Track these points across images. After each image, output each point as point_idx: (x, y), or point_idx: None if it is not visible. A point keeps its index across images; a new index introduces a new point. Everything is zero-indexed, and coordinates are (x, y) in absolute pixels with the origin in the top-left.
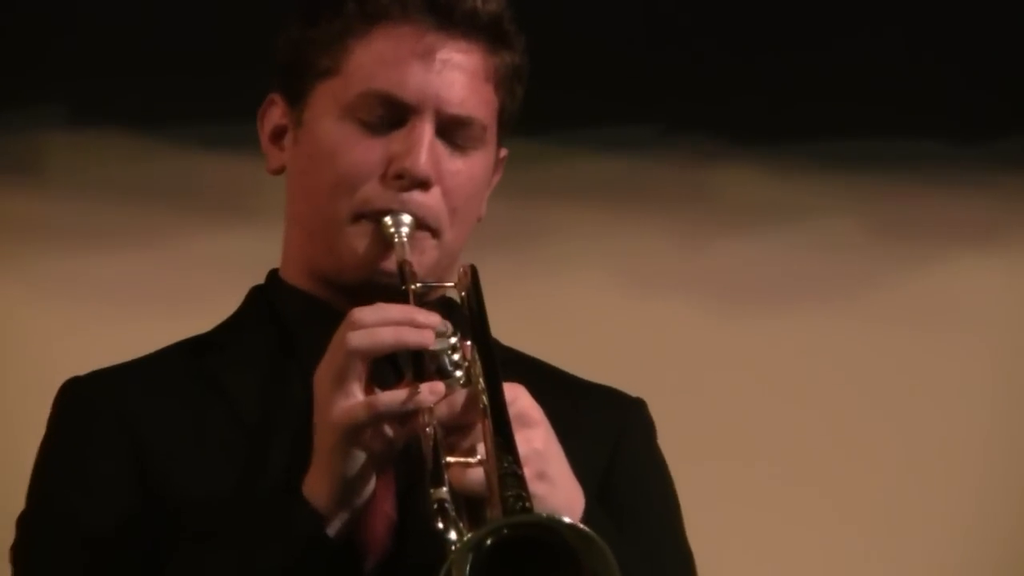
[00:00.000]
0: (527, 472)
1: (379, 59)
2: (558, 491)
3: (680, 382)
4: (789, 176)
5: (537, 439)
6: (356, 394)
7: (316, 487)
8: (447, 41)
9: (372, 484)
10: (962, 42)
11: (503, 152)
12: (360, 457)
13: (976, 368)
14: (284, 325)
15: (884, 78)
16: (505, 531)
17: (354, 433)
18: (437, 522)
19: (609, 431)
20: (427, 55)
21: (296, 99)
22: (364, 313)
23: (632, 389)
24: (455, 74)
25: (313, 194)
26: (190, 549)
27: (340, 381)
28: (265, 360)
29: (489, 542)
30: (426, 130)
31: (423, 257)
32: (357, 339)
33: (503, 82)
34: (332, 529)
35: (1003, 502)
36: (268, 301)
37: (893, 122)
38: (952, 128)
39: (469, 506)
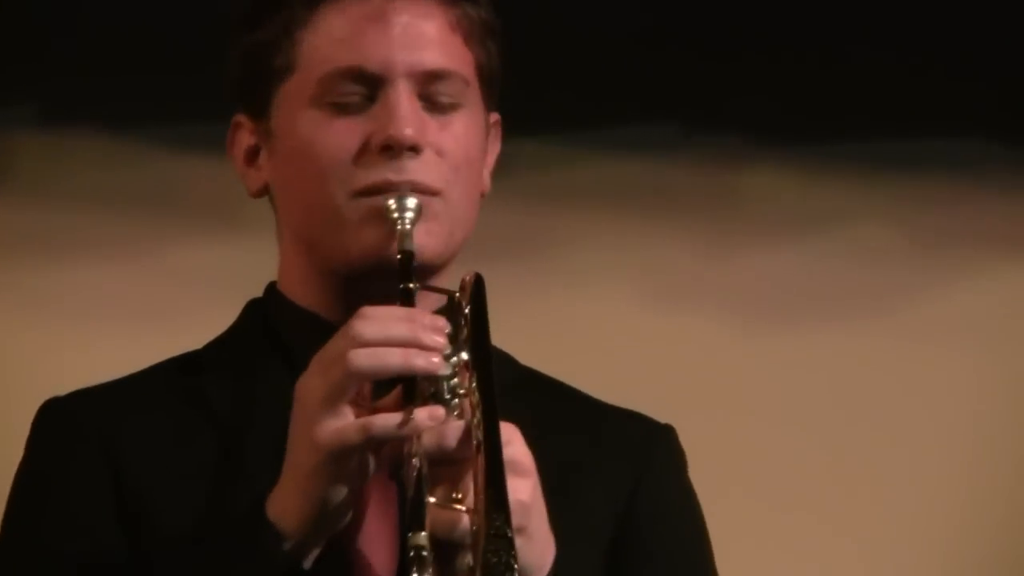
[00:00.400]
0: None
1: (331, 38)
2: (533, 545)
3: (703, 403)
4: (821, 180)
5: (524, 490)
6: (347, 415)
7: (286, 509)
8: (397, 1)
9: (348, 513)
10: (1009, 39)
11: (495, 116)
12: (341, 481)
13: None
14: (282, 344)
15: (924, 73)
16: None
17: (342, 456)
18: (412, 572)
19: (632, 461)
20: (381, 19)
21: (260, 112)
22: (367, 325)
23: (651, 411)
24: (418, 30)
25: (303, 193)
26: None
27: (333, 400)
28: (260, 382)
29: None
30: (402, 94)
31: (433, 224)
32: (360, 360)
33: (472, 35)
34: (299, 556)
35: None
36: (265, 316)
37: (934, 121)
38: (998, 127)
39: (447, 552)
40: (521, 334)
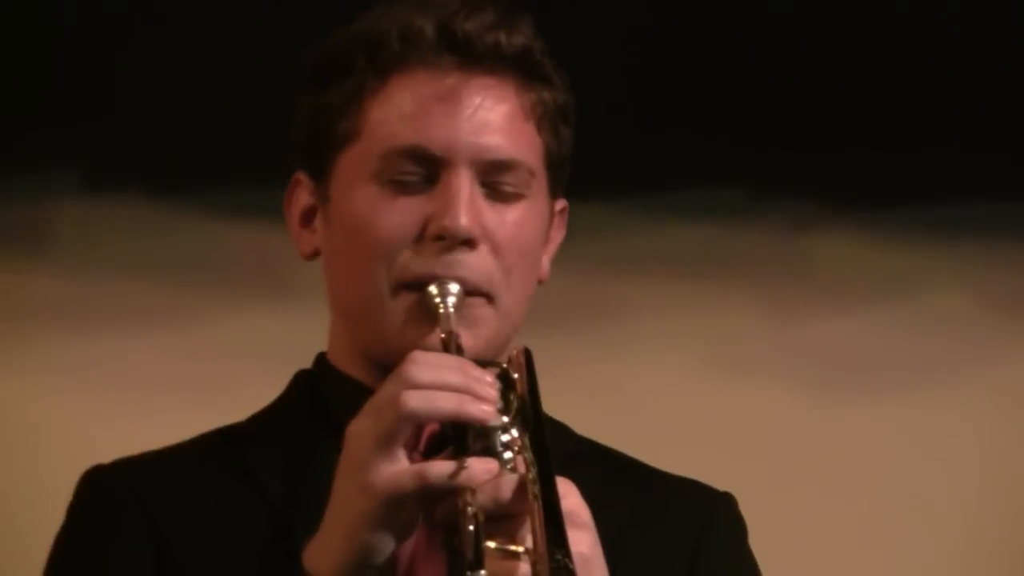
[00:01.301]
0: None
1: (399, 112)
2: None
3: (772, 476)
4: (893, 244)
5: (583, 543)
6: (402, 459)
7: (324, 558)
8: (472, 80)
9: (385, 567)
10: None
11: (560, 204)
12: (387, 531)
13: None
14: (331, 416)
15: (995, 138)
16: None
17: (394, 503)
18: None
19: (691, 529)
20: (452, 98)
21: (320, 174)
22: (420, 370)
23: (718, 484)
24: (487, 115)
25: (350, 272)
26: None
27: (386, 443)
28: (309, 455)
29: None
30: (463, 182)
31: (480, 329)
32: (414, 401)
33: (544, 121)
34: None
35: None
36: (314, 388)
37: (1006, 185)
38: None
39: None
40: (582, 403)
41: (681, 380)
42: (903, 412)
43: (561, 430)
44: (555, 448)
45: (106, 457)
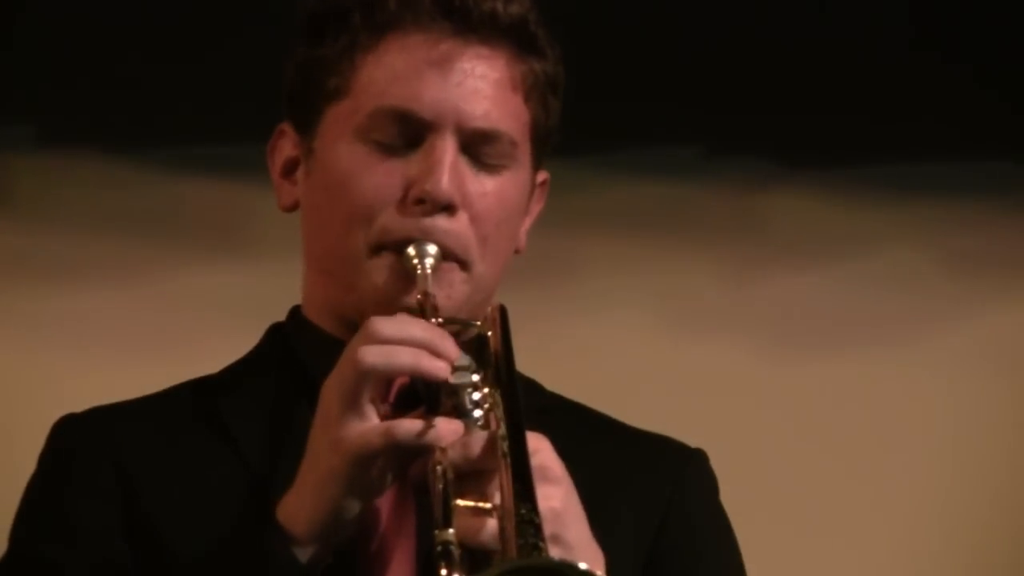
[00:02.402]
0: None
1: (391, 73)
2: (575, 555)
3: (726, 429)
4: (847, 203)
5: (555, 497)
6: (371, 416)
7: (297, 512)
8: (466, 48)
9: (356, 524)
10: None
11: (542, 176)
12: (358, 488)
13: None
14: (305, 369)
15: (953, 94)
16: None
17: (365, 460)
18: (441, 568)
19: (663, 485)
20: (444, 64)
21: (306, 127)
22: (383, 325)
23: (673, 437)
24: (477, 83)
25: (328, 228)
26: None
27: (352, 400)
28: (279, 406)
29: None
30: (447, 148)
31: (452, 291)
32: (372, 356)
33: (533, 93)
34: (307, 562)
35: None
36: (287, 341)
37: (963, 142)
38: None
39: (478, 557)
40: (540, 360)
41: (638, 337)
42: (858, 369)
43: (532, 386)
44: (526, 404)
45: (60, 409)
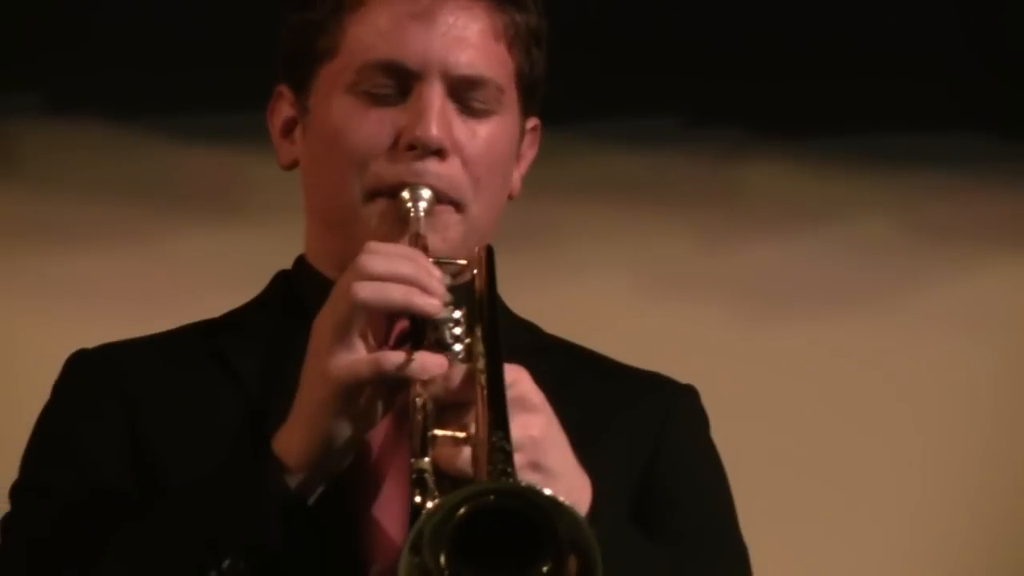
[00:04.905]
0: (519, 459)
1: (376, 29)
2: (557, 483)
3: (706, 393)
4: (823, 172)
5: (534, 426)
6: (359, 348)
7: (291, 442)
8: (447, 1)
9: (351, 453)
10: (1012, 34)
11: (532, 122)
12: (348, 418)
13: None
14: (307, 311)
15: (927, 68)
16: (481, 500)
17: (353, 389)
18: (415, 494)
19: (654, 417)
20: (427, 17)
21: (301, 87)
22: (374, 260)
23: None
24: (460, 33)
25: (326, 179)
26: (153, 504)
27: (342, 332)
28: (280, 343)
29: (465, 511)
30: (435, 95)
31: (447, 233)
32: (364, 292)
33: (516, 42)
34: (302, 490)
35: None
36: (291, 286)
37: (935, 115)
38: (997, 122)
39: (457, 485)
40: None
41: (616, 304)
42: (832, 336)
43: (531, 328)
44: (522, 342)
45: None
